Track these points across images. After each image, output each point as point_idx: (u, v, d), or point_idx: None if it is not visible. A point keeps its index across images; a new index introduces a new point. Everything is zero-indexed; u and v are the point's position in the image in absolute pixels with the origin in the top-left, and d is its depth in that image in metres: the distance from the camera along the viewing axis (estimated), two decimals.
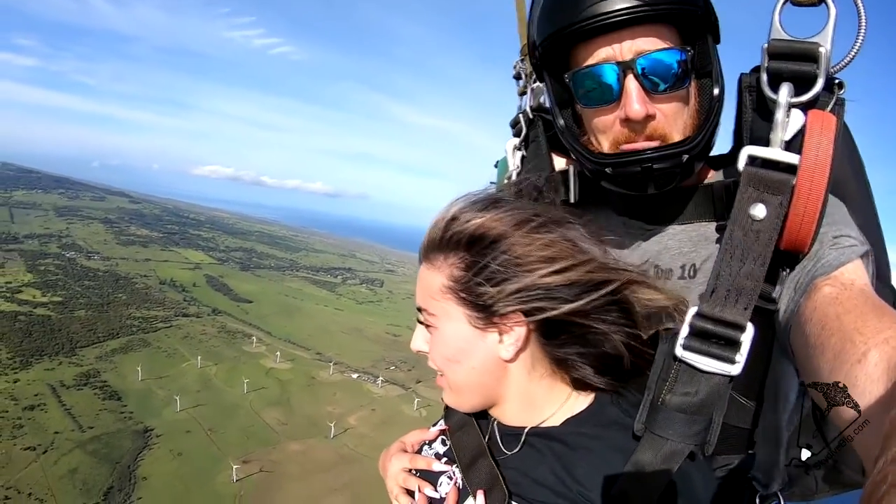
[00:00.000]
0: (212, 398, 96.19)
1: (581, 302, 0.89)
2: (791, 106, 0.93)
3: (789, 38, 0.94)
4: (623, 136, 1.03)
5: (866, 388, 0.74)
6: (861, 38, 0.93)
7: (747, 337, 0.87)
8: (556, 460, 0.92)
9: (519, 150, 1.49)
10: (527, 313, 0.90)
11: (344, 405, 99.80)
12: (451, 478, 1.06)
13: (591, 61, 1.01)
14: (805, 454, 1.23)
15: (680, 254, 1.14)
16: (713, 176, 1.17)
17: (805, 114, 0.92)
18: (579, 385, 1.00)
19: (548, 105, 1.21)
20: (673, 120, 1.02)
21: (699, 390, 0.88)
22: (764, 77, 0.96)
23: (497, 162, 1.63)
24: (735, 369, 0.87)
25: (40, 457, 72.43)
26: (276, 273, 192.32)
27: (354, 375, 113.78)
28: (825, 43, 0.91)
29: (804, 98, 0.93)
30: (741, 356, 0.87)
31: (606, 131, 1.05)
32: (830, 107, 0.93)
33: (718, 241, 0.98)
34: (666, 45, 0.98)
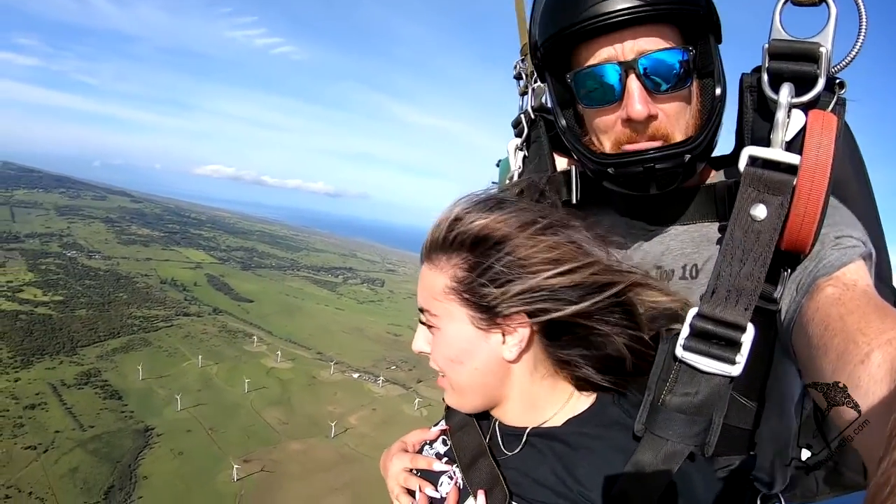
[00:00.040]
0: (212, 397, 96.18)
1: (585, 304, 0.89)
2: (792, 106, 0.93)
3: (790, 38, 0.94)
4: (625, 136, 1.02)
5: (869, 389, 0.74)
6: (862, 37, 0.93)
7: (748, 337, 0.87)
8: (558, 460, 0.92)
9: (521, 150, 1.48)
10: (531, 314, 0.90)
11: (345, 405, 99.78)
12: (451, 478, 1.06)
13: (592, 61, 1.00)
14: (805, 454, 1.23)
15: (682, 254, 1.13)
16: (715, 176, 1.17)
17: (806, 114, 0.92)
18: (581, 385, 1.00)
19: (549, 105, 1.21)
20: (675, 120, 1.02)
21: (699, 391, 0.88)
22: (765, 77, 0.96)
23: (499, 162, 1.63)
24: (735, 370, 0.87)
25: (41, 456, 72.46)
26: (277, 272, 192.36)
27: (355, 375, 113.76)
28: (826, 43, 0.91)
29: (805, 98, 0.92)
30: (742, 357, 0.87)
31: (608, 131, 1.05)
32: (831, 107, 0.93)
33: (720, 241, 0.98)
34: (668, 45, 0.98)
